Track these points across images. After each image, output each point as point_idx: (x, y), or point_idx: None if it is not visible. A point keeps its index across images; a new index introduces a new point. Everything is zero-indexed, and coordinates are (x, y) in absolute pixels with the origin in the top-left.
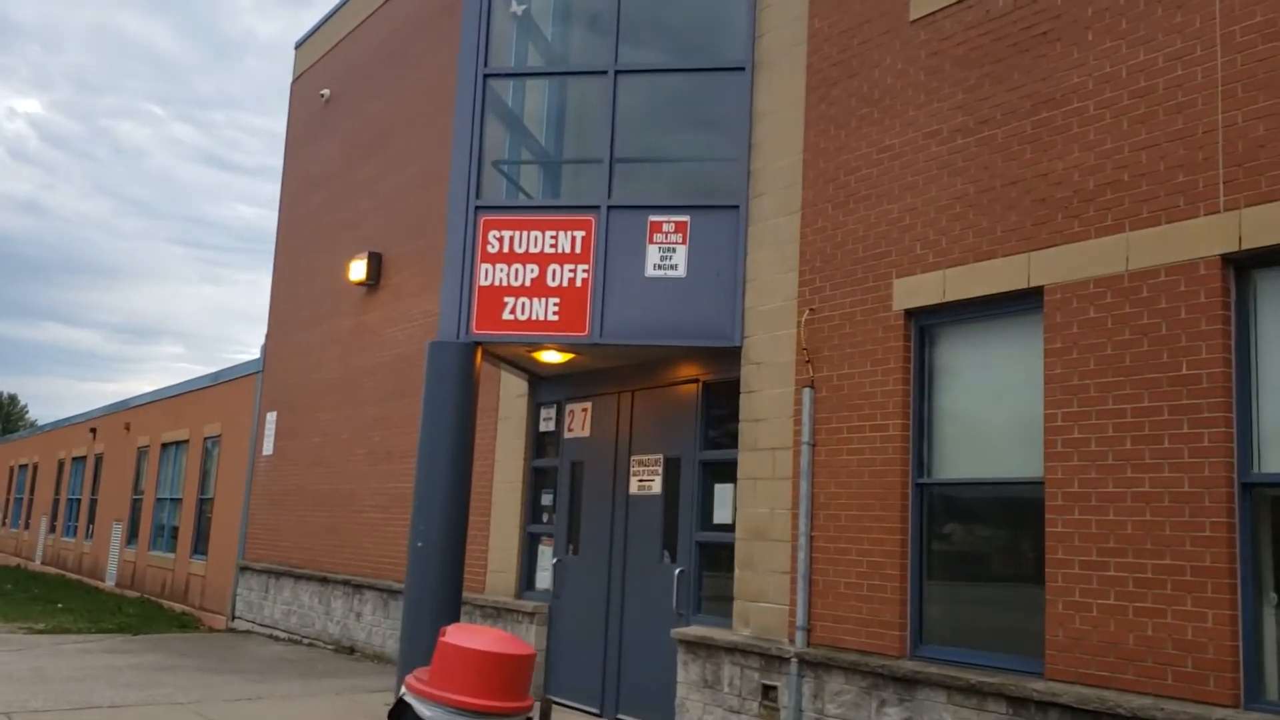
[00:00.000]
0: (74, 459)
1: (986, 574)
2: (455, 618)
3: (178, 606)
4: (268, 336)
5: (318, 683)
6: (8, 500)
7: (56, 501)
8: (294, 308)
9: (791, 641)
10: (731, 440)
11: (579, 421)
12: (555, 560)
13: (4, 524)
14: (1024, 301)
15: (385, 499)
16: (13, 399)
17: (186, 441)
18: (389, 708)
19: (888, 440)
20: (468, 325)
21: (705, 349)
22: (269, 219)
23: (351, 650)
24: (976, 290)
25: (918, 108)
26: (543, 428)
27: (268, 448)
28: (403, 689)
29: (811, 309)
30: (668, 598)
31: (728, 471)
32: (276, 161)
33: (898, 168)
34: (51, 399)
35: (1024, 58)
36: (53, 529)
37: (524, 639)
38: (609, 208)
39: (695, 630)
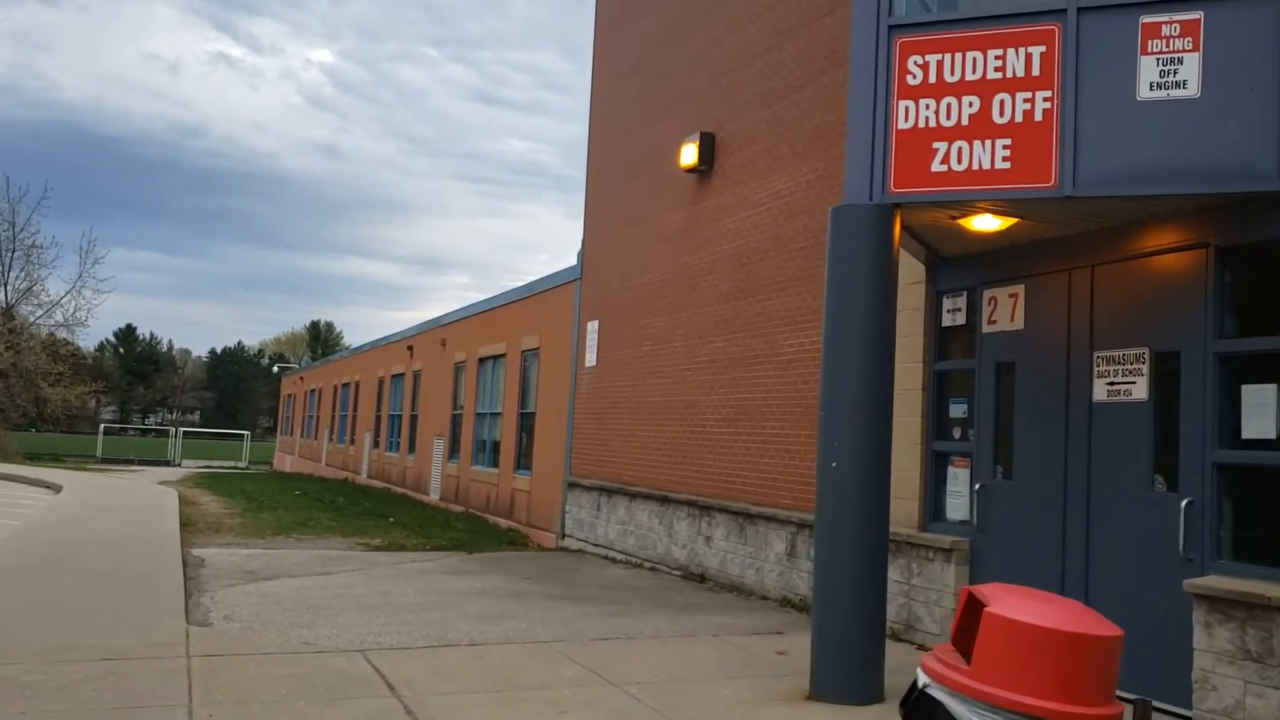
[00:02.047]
0: (393, 376)
1: None
2: (882, 556)
3: (503, 522)
4: (584, 241)
5: (682, 619)
6: (333, 417)
7: (378, 418)
8: (612, 207)
9: None
10: (1268, 324)
11: (1005, 311)
12: (977, 486)
13: (331, 440)
14: None
15: (732, 411)
16: (329, 325)
17: (503, 356)
18: (904, 700)
19: None
20: (883, 183)
21: (1220, 200)
22: (539, 151)
23: (702, 578)
24: None
25: None
26: (947, 322)
27: (590, 359)
28: (922, 676)
29: None
30: (1167, 537)
31: (1264, 367)
32: (544, 95)
33: None
34: (357, 326)
35: None
36: (376, 444)
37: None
38: (1079, 9)
39: (1222, 582)
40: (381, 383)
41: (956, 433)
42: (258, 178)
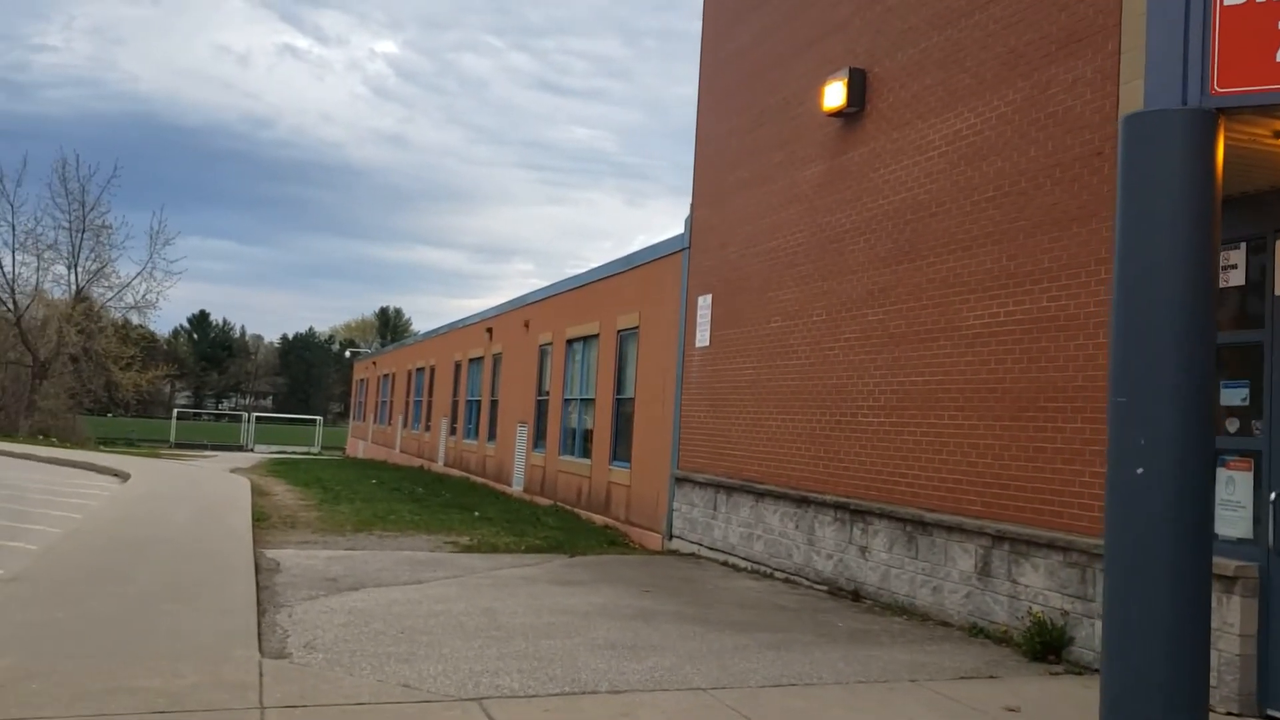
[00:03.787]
0: (471, 360)
1: None
2: (1205, 593)
3: (598, 518)
4: (693, 206)
5: (860, 655)
6: (408, 402)
7: (455, 404)
8: (729, 165)
9: None
10: None
11: None
12: (1273, 495)
13: (405, 426)
14: None
15: (893, 397)
16: (398, 312)
17: (596, 336)
18: None
19: None
20: (1202, 80)
21: None
22: (600, 139)
23: (855, 595)
24: None
25: None
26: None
27: (702, 338)
28: None
29: None
30: None
31: None
32: (604, 83)
33: None
34: (424, 314)
35: None
36: (453, 431)
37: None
38: None
39: None
40: (459, 367)
41: (1232, 425)
42: (326, 167)
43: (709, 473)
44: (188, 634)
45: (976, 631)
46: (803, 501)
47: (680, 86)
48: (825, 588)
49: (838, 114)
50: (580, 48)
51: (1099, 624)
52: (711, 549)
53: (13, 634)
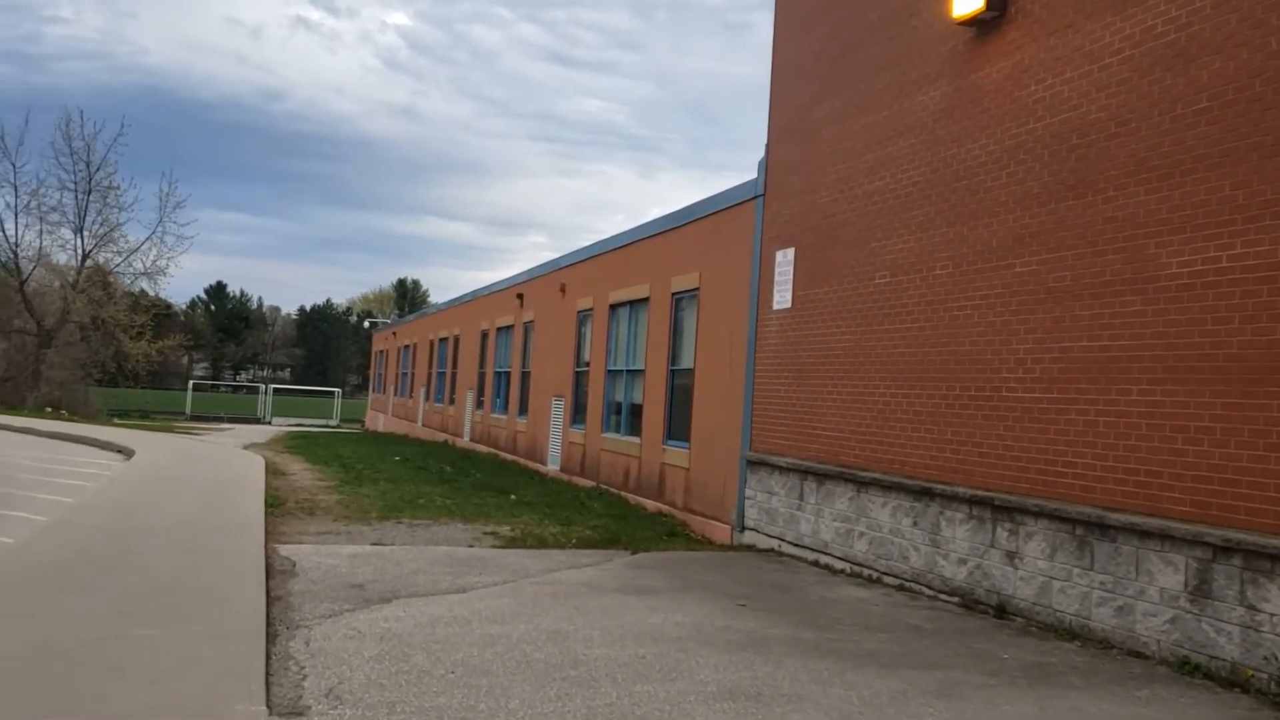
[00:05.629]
0: (499, 329)
1: None
2: None
3: (649, 504)
4: (769, 146)
5: (1061, 706)
6: (430, 374)
7: (482, 375)
8: (816, 96)
9: None
10: None
11: None
12: None
13: (428, 399)
14: None
15: (1054, 366)
16: (416, 283)
17: (645, 300)
18: None
19: None
20: None
21: None
22: (611, 111)
23: (1000, 611)
24: None
25: None
26: None
27: (781, 299)
28: None
29: None
30: None
31: None
32: (615, 55)
33: None
34: (439, 286)
35: None
36: (479, 405)
37: None
38: None
39: None
40: (486, 336)
41: None
42: (339, 140)
43: (792, 456)
44: (171, 673)
45: (1189, 668)
46: (923, 494)
47: (692, 59)
48: (956, 599)
49: (970, 22)
50: (591, 19)
51: None
52: (796, 545)
53: None
